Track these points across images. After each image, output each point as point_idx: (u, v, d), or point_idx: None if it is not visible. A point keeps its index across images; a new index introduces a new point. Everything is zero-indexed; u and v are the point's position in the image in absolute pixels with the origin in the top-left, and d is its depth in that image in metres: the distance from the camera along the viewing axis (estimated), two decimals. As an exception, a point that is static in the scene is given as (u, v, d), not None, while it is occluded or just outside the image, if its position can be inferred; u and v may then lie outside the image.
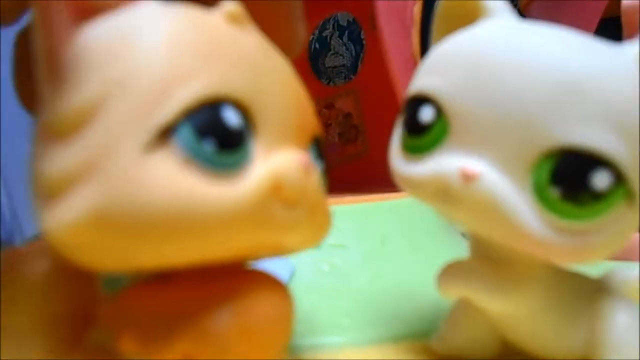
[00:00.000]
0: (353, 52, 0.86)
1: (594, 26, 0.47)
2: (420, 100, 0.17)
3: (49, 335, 0.14)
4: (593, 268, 0.19)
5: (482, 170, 0.15)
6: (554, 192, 0.15)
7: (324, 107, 0.51)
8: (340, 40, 0.87)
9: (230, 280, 0.13)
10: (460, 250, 0.21)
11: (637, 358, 0.17)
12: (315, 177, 0.14)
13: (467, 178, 0.15)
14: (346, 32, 0.87)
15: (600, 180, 0.14)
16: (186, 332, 0.12)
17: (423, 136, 0.17)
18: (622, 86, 0.15)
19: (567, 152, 0.14)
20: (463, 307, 0.20)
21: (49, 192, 0.11)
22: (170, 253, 0.12)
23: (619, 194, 0.15)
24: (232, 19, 0.14)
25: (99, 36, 0.12)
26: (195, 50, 0.12)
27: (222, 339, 0.13)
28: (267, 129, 0.13)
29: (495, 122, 0.15)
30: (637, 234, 0.31)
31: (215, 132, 0.12)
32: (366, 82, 0.50)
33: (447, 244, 0.32)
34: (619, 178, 0.14)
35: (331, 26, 0.87)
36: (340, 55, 0.87)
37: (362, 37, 0.85)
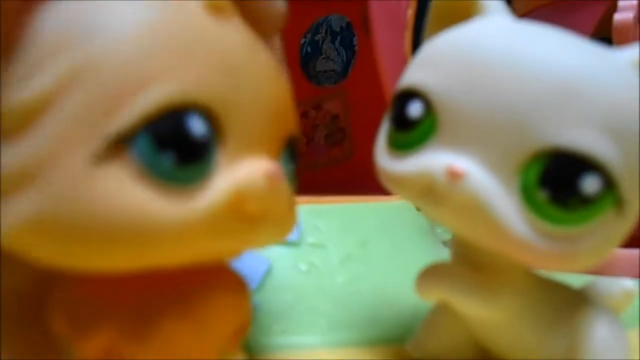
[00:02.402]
0: (344, 58, 0.86)
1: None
2: (409, 94, 0.17)
3: (2, 313, 0.13)
4: (574, 280, 0.19)
5: (469, 169, 0.15)
6: (542, 195, 0.14)
7: (312, 107, 0.51)
8: (332, 45, 0.87)
9: (176, 277, 0.13)
10: (441, 258, 0.20)
11: (617, 371, 0.17)
12: (283, 186, 0.13)
13: (453, 176, 0.15)
14: (338, 38, 0.87)
15: (590, 184, 0.14)
16: (114, 320, 0.12)
17: (410, 132, 0.16)
18: (617, 90, 0.14)
19: (557, 154, 0.14)
20: (440, 312, 0.20)
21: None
22: (113, 262, 0.11)
23: (608, 200, 0.14)
24: (215, 9, 0.13)
25: (59, 19, 0.11)
26: (166, 45, 0.11)
27: (148, 335, 0.12)
28: (236, 136, 0.12)
29: (485, 121, 0.15)
30: (619, 250, 0.31)
31: (176, 144, 0.11)
32: (355, 84, 0.49)
33: (427, 250, 0.31)
34: (609, 184, 0.14)
35: (324, 30, 0.87)
36: (332, 60, 0.87)
37: (354, 43, 0.85)
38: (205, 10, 0.12)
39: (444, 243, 0.36)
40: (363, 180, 0.44)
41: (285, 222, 0.14)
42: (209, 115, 0.12)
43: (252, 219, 0.12)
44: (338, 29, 0.85)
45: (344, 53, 0.85)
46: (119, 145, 0.11)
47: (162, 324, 0.12)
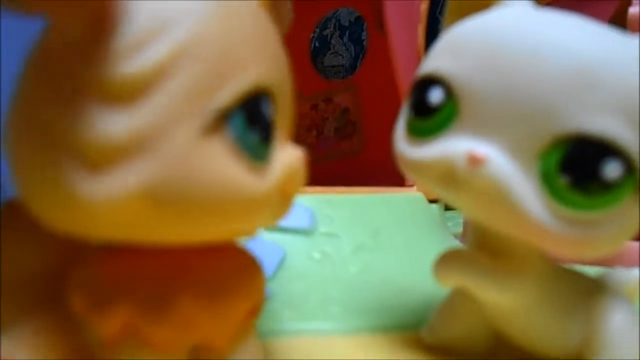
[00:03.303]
0: (352, 53, 0.86)
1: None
2: (430, 81, 0.17)
3: (25, 293, 0.13)
4: (590, 270, 0.19)
5: (490, 155, 0.15)
6: (563, 180, 0.14)
7: (322, 100, 0.51)
8: (341, 40, 0.87)
9: (193, 257, 0.13)
10: (451, 247, 0.20)
11: (632, 358, 0.17)
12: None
13: (474, 162, 0.15)
14: (347, 33, 0.87)
15: (611, 170, 0.14)
16: (131, 298, 0.12)
17: (431, 118, 0.17)
18: (637, 76, 0.14)
19: (579, 139, 0.14)
20: (456, 299, 0.20)
21: (93, 160, 0.10)
22: (200, 232, 0.12)
23: (629, 186, 0.14)
24: (264, 4, 0.14)
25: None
26: (251, 35, 0.12)
27: (166, 314, 0.13)
28: (281, 121, 0.14)
29: (506, 106, 0.15)
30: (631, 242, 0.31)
31: (260, 123, 0.12)
32: (366, 78, 0.49)
33: (438, 241, 0.31)
34: (630, 169, 0.14)
35: (332, 25, 0.87)
36: (340, 55, 0.87)
37: (363, 38, 0.85)
38: (259, 4, 0.14)
39: (455, 236, 0.36)
40: (373, 174, 0.45)
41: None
42: (273, 100, 0.13)
43: (287, 196, 0.13)
44: (347, 24, 0.85)
45: (352, 48, 0.86)
46: (219, 120, 0.11)
47: (180, 303, 0.13)
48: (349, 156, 0.49)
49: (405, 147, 0.18)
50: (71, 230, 0.11)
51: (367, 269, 0.26)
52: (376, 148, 0.47)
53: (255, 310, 0.15)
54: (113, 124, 0.10)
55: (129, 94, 0.11)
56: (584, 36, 0.15)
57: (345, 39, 0.88)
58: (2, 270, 0.13)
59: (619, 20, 0.34)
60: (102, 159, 0.10)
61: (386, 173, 0.31)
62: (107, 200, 0.10)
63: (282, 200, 0.13)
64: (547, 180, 0.15)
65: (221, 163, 0.11)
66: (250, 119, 0.12)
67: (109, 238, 0.12)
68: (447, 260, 0.18)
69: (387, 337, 0.21)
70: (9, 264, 0.13)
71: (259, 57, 0.12)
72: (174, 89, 0.11)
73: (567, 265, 0.19)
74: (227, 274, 0.14)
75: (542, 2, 0.50)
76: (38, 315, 0.13)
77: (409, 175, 0.18)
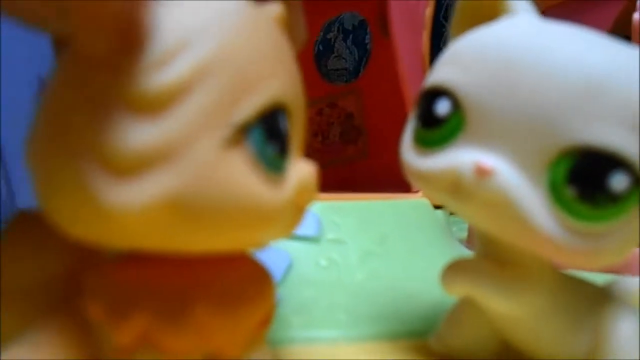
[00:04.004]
0: (356, 57, 0.87)
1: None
2: (437, 92, 0.17)
3: (40, 298, 0.14)
4: (597, 277, 0.19)
5: (497, 166, 0.15)
6: (570, 192, 0.15)
7: (327, 105, 0.51)
8: (344, 44, 0.88)
9: (207, 267, 0.14)
10: (458, 255, 0.20)
11: (639, 367, 0.17)
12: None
13: (481, 173, 0.15)
14: (351, 36, 0.87)
15: (618, 182, 0.14)
16: (148, 307, 0.13)
17: (438, 129, 0.17)
18: (644, 88, 0.14)
19: (586, 151, 0.14)
20: (464, 307, 0.20)
21: (119, 168, 0.11)
22: (218, 243, 0.12)
23: (635, 197, 0.14)
24: (280, 21, 0.14)
25: (182, 14, 0.12)
26: (269, 51, 0.13)
27: (181, 323, 0.13)
28: (295, 135, 0.14)
29: (514, 118, 0.15)
30: (637, 249, 0.31)
31: (277, 137, 0.12)
32: (370, 82, 0.49)
33: (444, 247, 0.31)
34: (636, 181, 0.14)
35: (336, 29, 0.87)
36: (343, 58, 0.87)
37: (367, 41, 0.85)
38: (274, 21, 0.14)
39: (460, 241, 0.36)
40: (378, 178, 0.45)
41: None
42: (288, 115, 0.13)
43: (299, 208, 0.14)
44: (350, 28, 0.85)
45: (355, 52, 0.86)
46: (239, 134, 0.12)
47: (195, 312, 0.13)
48: (354, 161, 0.49)
49: (412, 157, 0.18)
50: (92, 238, 0.12)
51: (374, 275, 0.27)
52: (381, 152, 0.47)
53: (267, 320, 0.15)
54: (139, 134, 0.11)
55: (154, 106, 0.11)
56: (590, 48, 0.15)
57: (349, 42, 0.88)
58: (16, 276, 0.13)
59: (623, 25, 0.34)
60: (127, 168, 0.11)
61: (391, 177, 0.31)
62: (131, 209, 0.11)
63: (295, 212, 0.14)
64: (554, 192, 0.15)
65: (241, 175, 0.12)
66: (268, 133, 0.12)
67: (130, 246, 0.12)
68: (454, 270, 0.18)
69: (394, 345, 0.21)
70: (23, 270, 0.14)
71: (276, 73, 0.13)
72: (197, 103, 0.11)
73: (574, 274, 0.19)
74: (240, 283, 0.14)
75: (545, 4, 0.50)
76: (53, 320, 0.13)
77: (416, 185, 0.18)
